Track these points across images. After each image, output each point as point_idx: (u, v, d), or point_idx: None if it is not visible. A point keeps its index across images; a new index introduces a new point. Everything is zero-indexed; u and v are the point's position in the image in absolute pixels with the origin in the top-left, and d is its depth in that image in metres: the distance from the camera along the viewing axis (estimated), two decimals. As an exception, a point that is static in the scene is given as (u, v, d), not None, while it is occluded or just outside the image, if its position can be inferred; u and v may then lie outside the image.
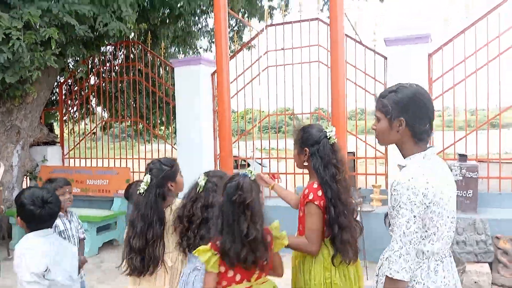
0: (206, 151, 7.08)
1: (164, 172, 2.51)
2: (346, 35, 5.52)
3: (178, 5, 8.32)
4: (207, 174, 2.39)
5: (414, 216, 1.60)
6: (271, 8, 10.68)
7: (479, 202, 5.38)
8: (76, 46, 6.77)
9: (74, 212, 3.59)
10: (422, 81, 5.63)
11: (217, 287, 2.05)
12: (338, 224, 2.23)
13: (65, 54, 6.80)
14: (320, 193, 2.26)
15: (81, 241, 3.55)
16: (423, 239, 1.68)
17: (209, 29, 10.75)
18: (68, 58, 7.94)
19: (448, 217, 1.71)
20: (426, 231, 1.67)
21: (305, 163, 2.39)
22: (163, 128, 8.72)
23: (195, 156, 6.90)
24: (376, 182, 6.09)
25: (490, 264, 4.79)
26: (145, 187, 2.45)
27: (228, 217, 2.02)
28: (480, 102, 5.69)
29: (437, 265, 1.72)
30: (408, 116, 1.74)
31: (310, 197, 2.27)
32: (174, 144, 7.63)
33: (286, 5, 7.73)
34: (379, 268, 1.86)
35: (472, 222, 4.94)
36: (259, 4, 10.36)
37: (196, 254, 2.04)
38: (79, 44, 6.84)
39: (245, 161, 8.10)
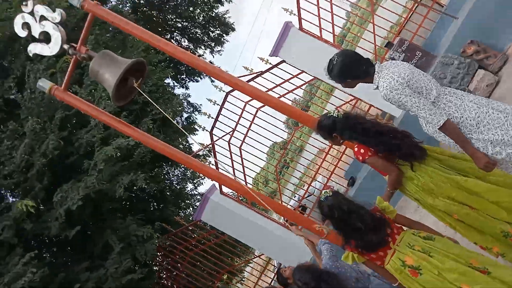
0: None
1: None
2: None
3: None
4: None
5: (410, 95, 2.40)
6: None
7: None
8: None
9: None
10: None
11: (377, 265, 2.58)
12: (389, 146, 2.73)
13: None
14: (362, 150, 2.87)
15: None
16: (425, 98, 2.44)
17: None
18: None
19: (423, 75, 2.50)
20: (420, 93, 2.44)
21: (341, 141, 2.96)
22: None
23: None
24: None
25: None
26: None
27: (344, 227, 2.53)
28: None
29: (447, 99, 2.48)
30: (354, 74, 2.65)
31: (360, 158, 2.89)
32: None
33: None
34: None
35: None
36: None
37: (343, 259, 2.64)
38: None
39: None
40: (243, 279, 10.70)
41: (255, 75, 6.04)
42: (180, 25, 14.90)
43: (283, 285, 4.26)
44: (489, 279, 2.29)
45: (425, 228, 2.65)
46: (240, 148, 6.88)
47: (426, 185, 2.66)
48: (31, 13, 3.79)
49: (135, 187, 7.00)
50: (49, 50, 3.90)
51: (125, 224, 7.07)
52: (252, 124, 6.64)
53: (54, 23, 3.80)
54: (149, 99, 3.82)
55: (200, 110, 13.43)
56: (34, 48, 3.91)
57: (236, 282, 10.95)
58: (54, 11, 3.83)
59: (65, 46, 3.84)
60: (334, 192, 2.61)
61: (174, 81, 14.05)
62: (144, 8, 13.86)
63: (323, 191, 2.62)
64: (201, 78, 14.79)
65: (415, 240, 2.49)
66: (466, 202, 2.60)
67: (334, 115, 2.84)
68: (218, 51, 15.22)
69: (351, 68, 2.62)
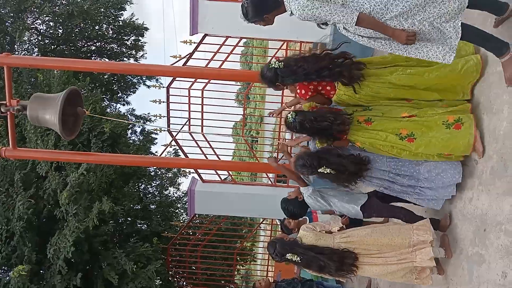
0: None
1: None
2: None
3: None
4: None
5: (320, 7, 2.51)
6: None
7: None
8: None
9: None
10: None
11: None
12: (331, 77, 3.08)
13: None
14: (303, 90, 3.28)
15: None
16: (334, 3, 2.53)
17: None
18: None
19: None
20: (328, 1, 2.52)
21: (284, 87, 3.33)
22: None
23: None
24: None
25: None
26: None
27: (318, 131, 3.11)
28: None
29: None
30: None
31: (303, 98, 3.32)
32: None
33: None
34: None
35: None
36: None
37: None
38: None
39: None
40: (257, 254, 10.95)
41: (185, 58, 6.05)
42: (93, 47, 14.45)
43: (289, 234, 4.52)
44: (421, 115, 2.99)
45: None
46: (202, 134, 6.95)
47: (366, 96, 3.10)
48: None
49: (108, 215, 6.73)
50: (-19, 118, 3.85)
51: (118, 257, 6.86)
52: (204, 106, 6.69)
53: (-27, 90, 3.74)
54: (102, 117, 3.85)
55: (149, 119, 13.32)
56: (-34, 122, 3.85)
57: (251, 259, 11.23)
58: (-33, 80, 3.76)
59: (-4, 108, 3.81)
60: (297, 111, 3.13)
61: (113, 103, 13.74)
62: (52, 47, 13.29)
63: (288, 114, 3.06)
64: (137, 88, 14.53)
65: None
66: (404, 97, 3.11)
67: (275, 66, 3.04)
68: (141, 56, 14.90)
69: (261, 3, 2.76)
